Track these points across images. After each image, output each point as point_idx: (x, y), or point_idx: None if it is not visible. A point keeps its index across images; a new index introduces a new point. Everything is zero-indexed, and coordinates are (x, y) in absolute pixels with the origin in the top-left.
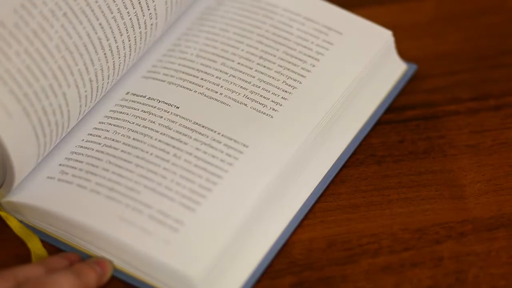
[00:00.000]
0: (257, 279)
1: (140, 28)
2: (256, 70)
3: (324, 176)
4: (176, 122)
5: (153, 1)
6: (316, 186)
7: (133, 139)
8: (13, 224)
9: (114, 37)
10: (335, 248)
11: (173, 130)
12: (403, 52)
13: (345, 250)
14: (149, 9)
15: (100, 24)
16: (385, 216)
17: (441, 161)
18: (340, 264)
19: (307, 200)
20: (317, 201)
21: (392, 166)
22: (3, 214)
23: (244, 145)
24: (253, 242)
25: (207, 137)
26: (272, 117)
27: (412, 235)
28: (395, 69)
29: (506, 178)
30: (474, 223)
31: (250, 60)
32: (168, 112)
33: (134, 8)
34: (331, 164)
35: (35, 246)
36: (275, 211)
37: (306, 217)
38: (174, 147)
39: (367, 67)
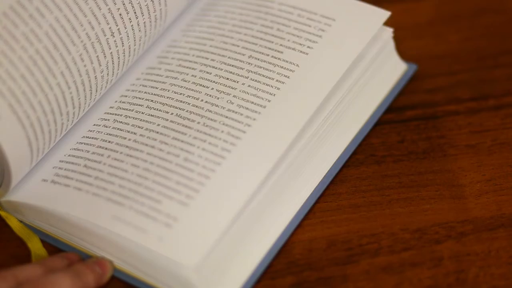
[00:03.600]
0: (257, 279)
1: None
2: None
3: (324, 176)
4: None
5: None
6: (316, 186)
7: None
8: (13, 224)
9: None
10: (335, 248)
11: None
12: (403, 52)
13: (345, 250)
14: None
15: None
16: (385, 216)
17: (441, 161)
18: (340, 264)
19: (307, 200)
20: (317, 201)
21: (392, 166)
22: (3, 214)
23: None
24: (253, 242)
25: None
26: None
27: (412, 235)
28: (395, 69)
29: (506, 178)
30: (474, 223)
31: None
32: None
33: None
34: (331, 164)
35: (35, 246)
36: (275, 211)
37: (306, 217)
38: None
39: (368, 65)
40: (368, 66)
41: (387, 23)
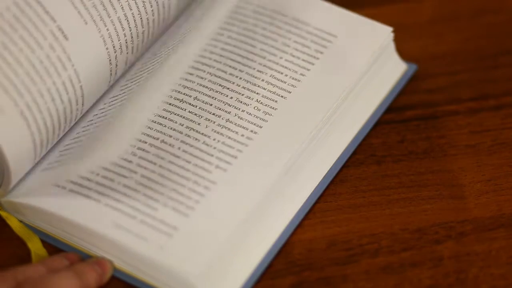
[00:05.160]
0: (257, 279)
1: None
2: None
3: (324, 176)
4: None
5: None
6: (316, 186)
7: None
8: (14, 224)
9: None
10: (335, 248)
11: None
12: (403, 52)
13: (345, 250)
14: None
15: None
16: (385, 216)
17: (441, 161)
18: (340, 264)
19: (307, 200)
20: (317, 201)
21: (392, 166)
22: (3, 214)
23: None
24: (253, 242)
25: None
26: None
27: (412, 235)
28: (395, 69)
29: (506, 178)
30: (474, 223)
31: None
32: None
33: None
34: (331, 164)
35: (35, 246)
36: (275, 211)
37: (306, 217)
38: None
39: (368, 64)
40: (368, 66)
41: (387, 23)
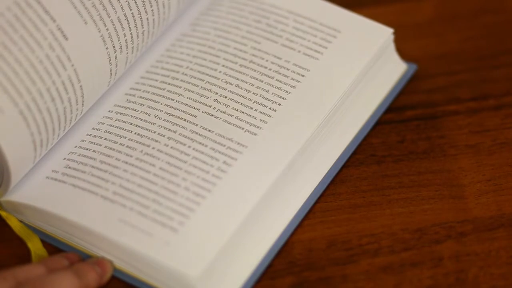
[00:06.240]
0: (257, 279)
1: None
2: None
3: (324, 176)
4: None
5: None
6: (316, 186)
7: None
8: (14, 224)
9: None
10: (335, 248)
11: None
12: (403, 52)
13: (345, 250)
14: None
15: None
16: (385, 216)
17: (441, 161)
18: (340, 264)
19: (307, 200)
20: (317, 201)
21: (392, 166)
22: (3, 214)
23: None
24: (253, 242)
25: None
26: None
27: (412, 235)
28: (395, 69)
29: (506, 178)
30: (474, 223)
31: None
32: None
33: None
34: (331, 164)
35: (35, 246)
36: (275, 211)
37: (306, 217)
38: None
39: (368, 64)
40: (368, 67)
41: (387, 23)
